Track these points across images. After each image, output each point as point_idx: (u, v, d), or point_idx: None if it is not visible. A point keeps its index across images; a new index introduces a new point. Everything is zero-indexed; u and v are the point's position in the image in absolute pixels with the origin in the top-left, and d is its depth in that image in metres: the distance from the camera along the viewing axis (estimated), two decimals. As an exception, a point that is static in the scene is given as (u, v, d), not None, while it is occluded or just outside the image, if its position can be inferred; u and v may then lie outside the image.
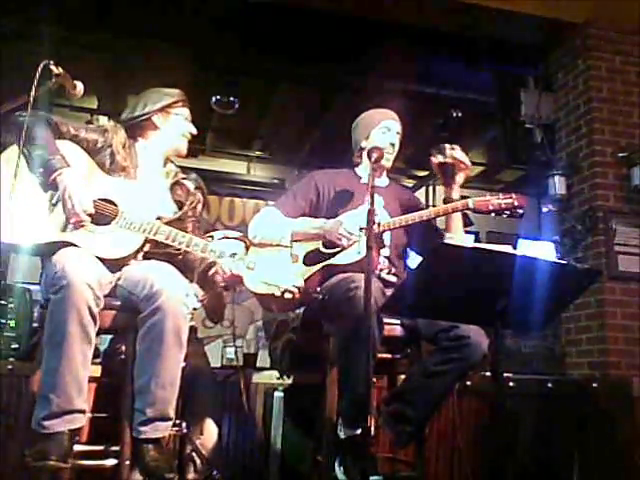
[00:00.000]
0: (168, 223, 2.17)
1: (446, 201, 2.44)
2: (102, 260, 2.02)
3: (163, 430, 1.97)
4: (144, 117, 2.31)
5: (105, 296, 2.05)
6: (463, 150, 2.41)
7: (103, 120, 5.40)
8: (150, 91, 2.39)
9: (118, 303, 2.06)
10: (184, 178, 2.42)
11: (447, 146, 2.39)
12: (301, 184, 2.63)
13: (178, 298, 1.96)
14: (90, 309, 1.87)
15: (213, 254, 2.08)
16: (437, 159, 2.39)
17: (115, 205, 2.12)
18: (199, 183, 2.44)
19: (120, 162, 2.21)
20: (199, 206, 2.41)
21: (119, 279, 2.10)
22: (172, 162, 2.45)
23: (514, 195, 2.35)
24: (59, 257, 1.91)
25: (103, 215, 2.09)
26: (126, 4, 4.17)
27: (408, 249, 2.63)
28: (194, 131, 2.40)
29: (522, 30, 4.30)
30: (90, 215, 2.04)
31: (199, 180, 2.46)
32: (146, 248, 2.17)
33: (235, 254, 2.08)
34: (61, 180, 2.01)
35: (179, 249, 2.15)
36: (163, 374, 1.93)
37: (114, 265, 2.07)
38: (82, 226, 2.03)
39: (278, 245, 2.44)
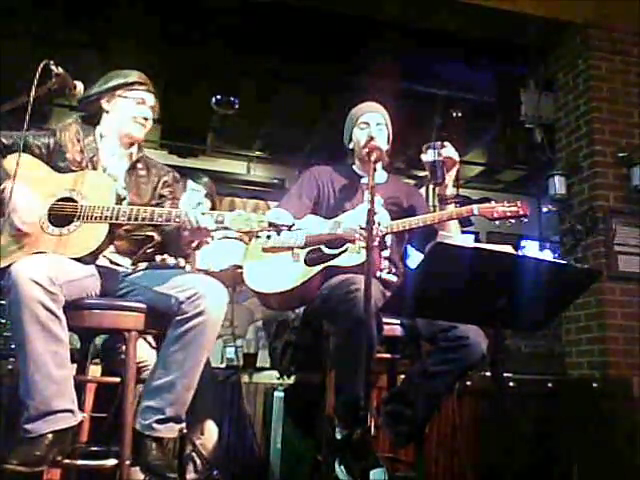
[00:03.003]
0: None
1: (441, 199, 2.44)
2: (78, 259, 2.00)
3: (175, 431, 1.98)
4: (90, 99, 2.25)
5: (111, 296, 2.07)
6: (460, 148, 2.41)
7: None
8: (107, 75, 2.31)
9: (119, 303, 2.04)
10: (147, 161, 2.34)
11: (437, 144, 2.37)
12: (303, 182, 2.60)
13: (221, 305, 1.97)
14: (44, 305, 1.80)
15: (179, 219, 2.01)
16: (427, 157, 2.37)
17: (75, 202, 2.06)
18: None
19: (74, 158, 2.17)
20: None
21: (133, 278, 2.09)
22: (139, 146, 2.35)
23: (519, 203, 2.36)
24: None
25: (64, 215, 2.04)
26: (126, 4, 4.18)
27: (409, 246, 2.63)
28: (147, 115, 2.30)
29: (522, 30, 4.30)
30: (35, 224, 2.01)
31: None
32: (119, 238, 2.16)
33: (200, 203, 2.02)
34: (5, 196, 1.96)
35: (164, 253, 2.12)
36: (191, 376, 1.94)
37: (90, 258, 2.05)
38: (26, 235, 2.00)
39: (290, 249, 2.43)
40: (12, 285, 1.81)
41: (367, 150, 2.35)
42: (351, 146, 2.63)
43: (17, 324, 1.81)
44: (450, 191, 2.42)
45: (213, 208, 2.41)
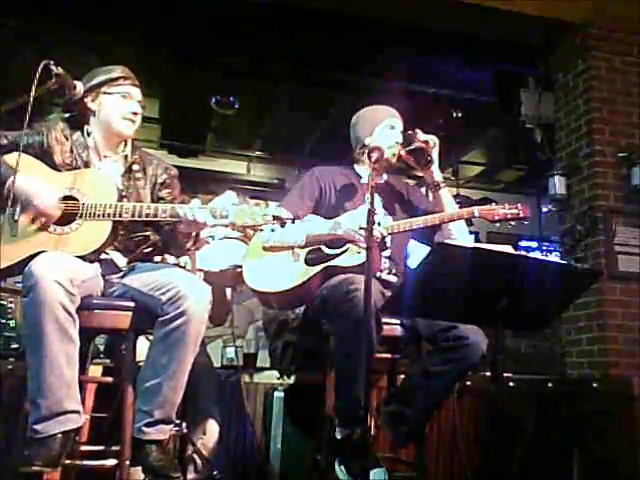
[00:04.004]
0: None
1: (431, 186, 2.46)
2: (82, 258, 1.99)
3: (167, 432, 1.98)
4: (73, 99, 2.15)
5: (109, 297, 2.06)
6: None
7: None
8: (89, 73, 2.23)
9: (119, 303, 2.04)
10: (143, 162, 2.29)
11: (410, 133, 2.41)
12: (305, 182, 2.57)
13: (204, 304, 1.95)
14: (64, 306, 1.81)
15: (182, 212, 1.99)
16: (405, 149, 2.39)
17: (76, 200, 2.04)
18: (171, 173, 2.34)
19: (63, 159, 2.13)
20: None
21: (126, 279, 2.09)
22: (133, 145, 2.29)
23: (520, 205, 2.38)
24: (30, 263, 1.86)
25: (68, 213, 2.03)
26: (126, 5, 4.17)
27: (409, 244, 2.63)
28: (136, 109, 2.22)
29: (522, 30, 4.30)
30: (60, 212, 2.00)
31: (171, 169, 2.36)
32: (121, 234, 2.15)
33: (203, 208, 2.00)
34: (15, 188, 1.91)
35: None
36: (177, 377, 1.93)
37: (93, 257, 2.05)
38: (47, 225, 1.99)
39: (291, 248, 2.41)
40: (34, 285, 1.79)
41: (375, 156, 2.29)
42: (367, 142, 2.51)
43: (35, 324, 1.80)
44: (438, 176, 2.46)
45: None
